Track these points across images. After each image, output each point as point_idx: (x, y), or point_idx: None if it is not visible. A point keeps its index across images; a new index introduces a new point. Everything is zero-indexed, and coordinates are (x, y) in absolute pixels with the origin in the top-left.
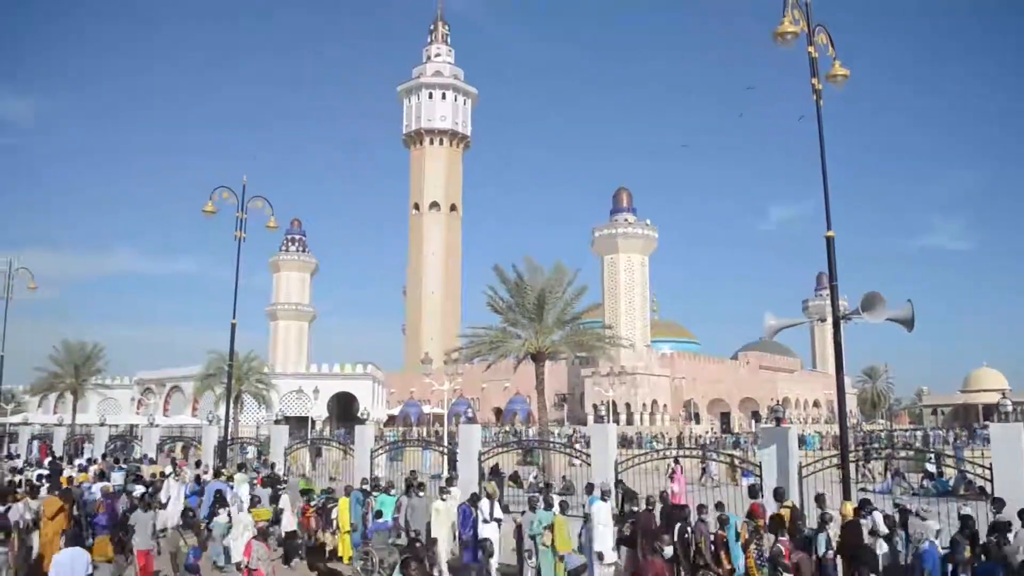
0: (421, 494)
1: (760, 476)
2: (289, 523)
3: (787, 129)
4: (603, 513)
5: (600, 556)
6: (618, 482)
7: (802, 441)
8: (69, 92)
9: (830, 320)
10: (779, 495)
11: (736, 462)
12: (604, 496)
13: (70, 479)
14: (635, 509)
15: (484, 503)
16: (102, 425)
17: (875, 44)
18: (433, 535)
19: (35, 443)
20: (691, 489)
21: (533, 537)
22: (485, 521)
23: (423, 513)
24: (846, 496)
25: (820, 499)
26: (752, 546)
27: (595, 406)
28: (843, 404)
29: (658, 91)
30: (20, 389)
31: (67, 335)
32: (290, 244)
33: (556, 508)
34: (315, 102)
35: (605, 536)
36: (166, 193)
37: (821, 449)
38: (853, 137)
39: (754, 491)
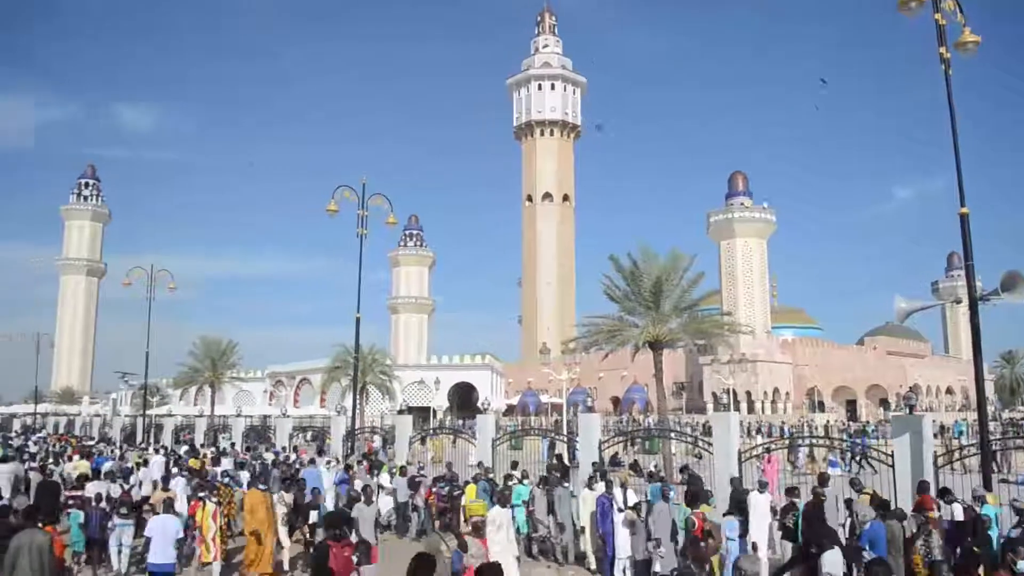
0: (566, 484)
1: (892, 466)
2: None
3: (910, 105)
4: (762, 504)
5: (754, 547)
6: (683, 468)
7: (942, 430)
8: (194, 102)
9: (966, 302)
10: (923, 488)
11: (859, 452)
12: (733, 484)
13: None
14: (795, 501)
15: (618, 492)
16: (238, 416)
17: (1003, 5)
18: (581, 524)
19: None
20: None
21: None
22: (620, 510)
23: (567, 502)
24: (987, 487)
25: (945, 493)
26: (919, 542)
27: (715, 394)
28: (982, 390)
29: (772, 72)
30: (164, 383)
31: (204, 332)
32: (408, 239)
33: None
34: (427, 99)
35: (762, 527)
36: (290, 195)
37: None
38: (985, 107)
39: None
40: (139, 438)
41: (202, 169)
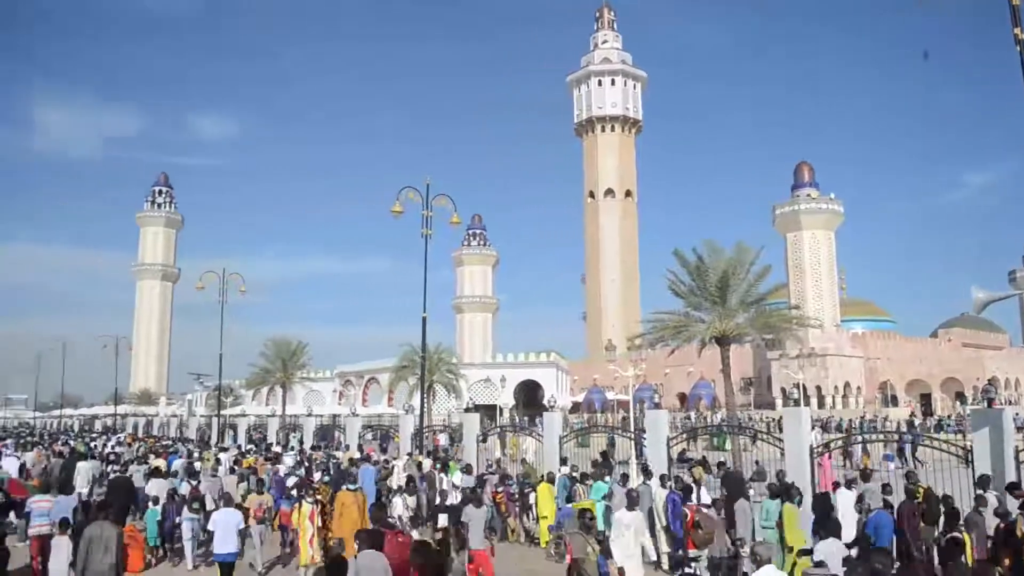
0: (648, 482)
1: (971, 462)
2: None
3: (981, 89)
4: (847, 502)
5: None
6: (720, 463)
7: None
8: (262, 109)
9: None
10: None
11: (946, 448)
12: (771, 488)
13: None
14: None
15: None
16: (309, 415)
17: None
18: (664, 523)
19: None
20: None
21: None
22: (706, 506)
23: (647, 500)
24: None
25: (1014, 487)
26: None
27: (783, 389)
28: None
29: (835, 61)
30: (237, 384)
31: (274, 333)
32: (471, 239)
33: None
34: (488, 98)
35: (849, 525)
36: (355, 198)
37: None
38: None
39: (985, 481)
40: (214, 438)
41: (268, 173)
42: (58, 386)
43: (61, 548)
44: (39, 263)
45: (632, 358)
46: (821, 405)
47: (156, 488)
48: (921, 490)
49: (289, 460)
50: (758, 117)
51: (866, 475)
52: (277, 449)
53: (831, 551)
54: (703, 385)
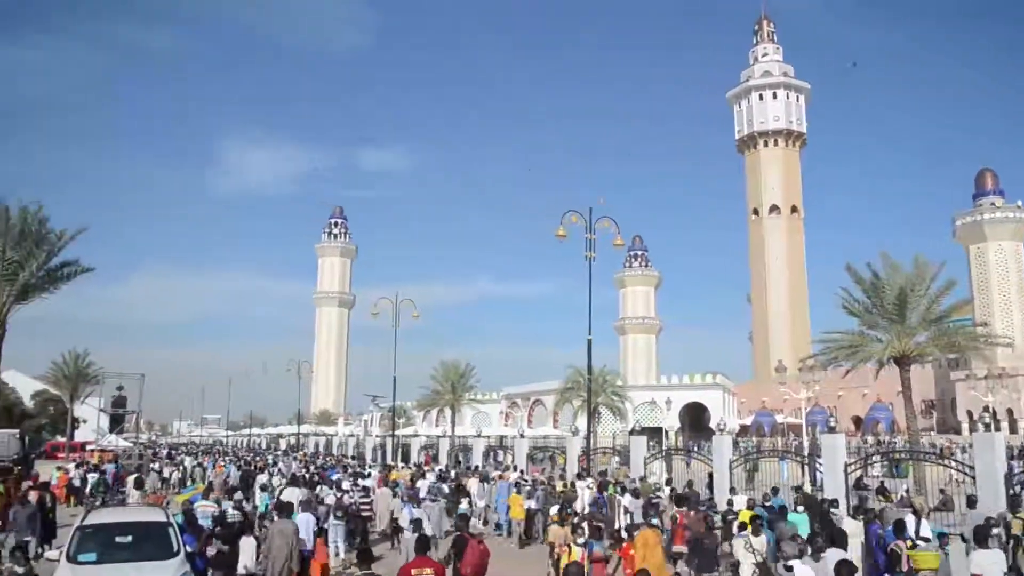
0: (835, 511)
1: None
2: None
3: None
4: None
5: None
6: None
7: None
8: (426, 142)
9: None
10: None
11: None
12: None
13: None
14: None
15: (910, 519)
16: (478, 436)
17: None
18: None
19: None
20: None
21: None
22: (909, 540)
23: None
24: None
25: None
26: None
27: (970, 413)
28: None
29: (1018, 59)
30: (409, 405)
31: (445, 357)
32: (633, 260)
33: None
34: (645, 117)
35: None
36: (520, 222)
37: None
38: None
39: None
40: (388, 457)
41: (436, 202)
42: (248, 407)
43: (249, 544)
44: (231, 293)
45: (804, 380)
46: (1013, 430)
47: (293, 496)
48: None
49: (432, 477)
50: (932, 123)
51: (971, 502)
52: (433, 468)
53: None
54: (880, 408)
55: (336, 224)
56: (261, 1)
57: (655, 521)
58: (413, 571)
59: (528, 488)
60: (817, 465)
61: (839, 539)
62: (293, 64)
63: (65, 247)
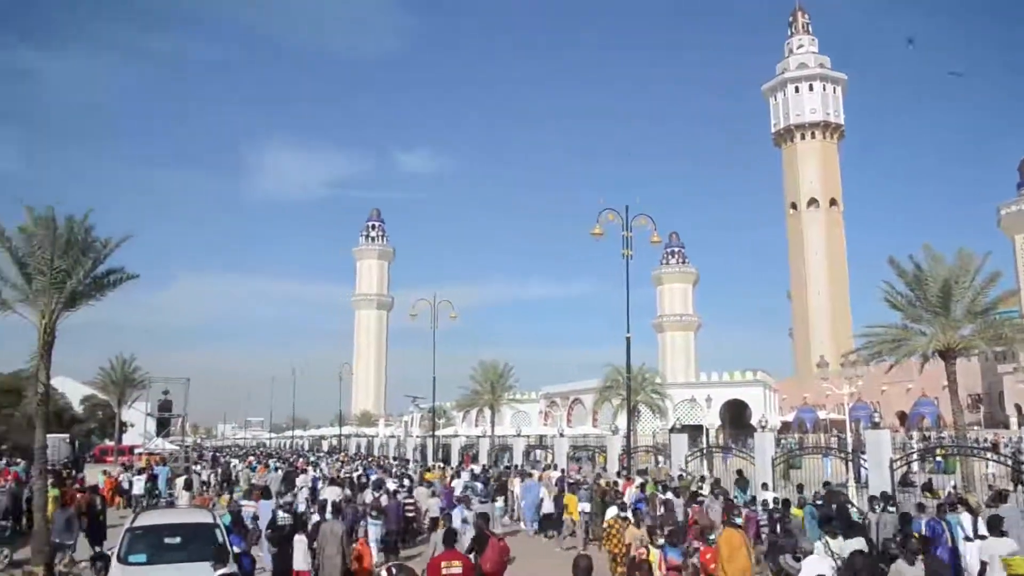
0: (891, 509)
1: None
2: None
3: None
4: None
5: None
6: (825, 483)
7: None
8: (459, 145)
9: None
10: None
11: None
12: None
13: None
14: None
15: (966, 518)
16: (517, 436)
17: None
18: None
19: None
20: None
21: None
22: (968, 539)
23: (891, 528)
24: None
25: None
26: None
27: (1019, 407)
28: None
29: None
30: (449, 405)
31: (483, 357)
32: (670, 257)
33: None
34: (679, 113)
35: None
36: (552, 217)
37: None
38: None
39: None
40: (429, 458)
41: (472, 203)
42: (290, 409)
43: (301, 543)
44: (272, 297)
45: (846, 375)
46: None
47: (331, 495)
48: None
49: (466, 476)
50: (973, 111)
51: (1003, 496)
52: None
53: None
54: (925, 403)
55: (373, 227)
56: (293, 10)
57: (738, 520)
58: (442, 564)
59: (586, 489)
60: (862, 461)
61: (857, 529)
62: (328, 69)
63: (111, 255)
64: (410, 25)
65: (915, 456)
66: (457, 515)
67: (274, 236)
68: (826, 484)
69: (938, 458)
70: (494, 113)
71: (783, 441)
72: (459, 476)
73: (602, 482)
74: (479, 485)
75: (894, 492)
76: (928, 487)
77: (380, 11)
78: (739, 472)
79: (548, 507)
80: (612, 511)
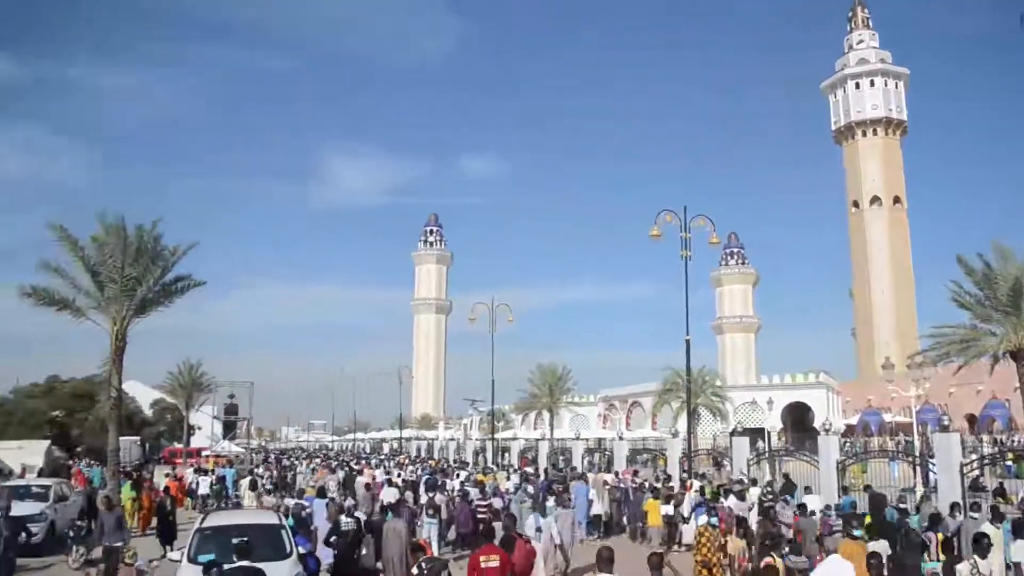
0: (975, 515)
1: None
2: None
3: None
4: None
5: None
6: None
7: None
8: (515, 148)
9: None
10: None
11: None
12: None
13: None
14: None
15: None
16: (576, 439)
17: None
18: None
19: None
20: None
21: None
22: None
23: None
24: None
25: None
26: None
27: None
28: None
29: None
30: (507, 408)
31: (542, 360)
32: (729, 258)
33: None
34: (738, 112)
35: None
36: (615, 225)
37: None
38: None
39: None
40: (489, 460)
41: (530, 207)
42: (351, 412)
43: (369, 544)
44: (333, 302)
45: (913, 377)
46: None
47: (390, 496)
48: None
49: (516, 478)
50: None
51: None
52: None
53: None
54: (996, 405)
55: (431, 232)
56: (357, 25)
57: (857, 532)
58: (481, 558)
59: (675, 494)
60: (930, 466)
61: (887, 531)
62: (383, 77)
63: (178, 262)
64: (458, 29)
65: (986, 460)
66: (531, 523)
67: (335, 243)
68: (867, 488)
69: (1009, 462)
70: (549, 116)
71: (847, 444)
72: (509, 479)
73: (665, 485)
74: (531, 487)
75: (964, 497)
76: (1000, 491)
77: (427, 16)
78: (786, 476)
79: (596, 508)
80: (703, 519)
